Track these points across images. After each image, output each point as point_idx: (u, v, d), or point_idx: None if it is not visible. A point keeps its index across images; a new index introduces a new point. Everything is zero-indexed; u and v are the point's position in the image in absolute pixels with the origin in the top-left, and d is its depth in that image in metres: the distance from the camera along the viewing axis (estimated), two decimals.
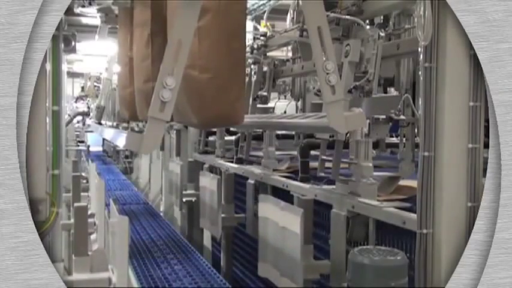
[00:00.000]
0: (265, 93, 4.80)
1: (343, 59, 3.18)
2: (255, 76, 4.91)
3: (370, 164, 3.22)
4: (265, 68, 4.87)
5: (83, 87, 13.89)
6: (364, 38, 3.14)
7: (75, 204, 3.03)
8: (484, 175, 2.31)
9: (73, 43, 2.83)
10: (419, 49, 2.44)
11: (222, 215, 5.04)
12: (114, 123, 9.62)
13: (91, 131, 13.97)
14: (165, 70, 2.18)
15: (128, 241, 2.40)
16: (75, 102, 14.54)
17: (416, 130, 3.45)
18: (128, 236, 2.39)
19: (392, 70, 3.92)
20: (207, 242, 6.43)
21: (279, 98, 7.13)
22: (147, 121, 2.22)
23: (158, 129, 2.19)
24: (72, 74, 13.77)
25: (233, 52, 2.71)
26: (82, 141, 14.41)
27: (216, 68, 2.67)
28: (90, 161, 6.72)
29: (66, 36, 2.77)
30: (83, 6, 4.63)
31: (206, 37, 2.61)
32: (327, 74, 2.29)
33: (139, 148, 2.19)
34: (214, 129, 6.14)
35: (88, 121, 14.01)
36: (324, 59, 2.31)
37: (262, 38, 4.92)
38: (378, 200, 3.12)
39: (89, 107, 12.85)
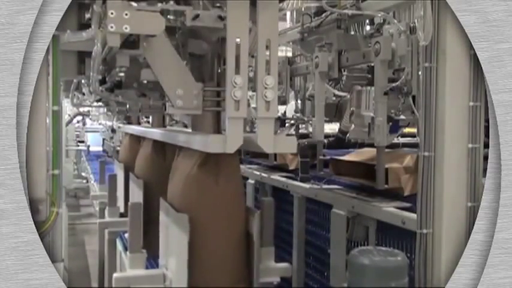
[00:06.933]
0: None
1: (373, 58, 3.08)
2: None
3: None
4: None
5: None
6: (394, 33, 3.00)
7: (131, 202, 3.02)
8: (484, 175, 2.31)
9: None
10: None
11: None
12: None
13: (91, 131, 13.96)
14: (231, 70, 2.19)
15: (187, 238, 2.41)
16: None
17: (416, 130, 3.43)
18: (187, 233, 2.40)
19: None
20: None
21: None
22: (227, 122, 2.23)
23: (238, 127, 2.22)
24: None
25: None
26: (82, 141, 14.44)
27: None
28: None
29: None
30: None
31: None
32: (265, 88, 2.21)
33: (224, 148, 2.22)
34: None
35: (88, 121, 14.02)
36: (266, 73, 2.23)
37: None
38: None
39: None
